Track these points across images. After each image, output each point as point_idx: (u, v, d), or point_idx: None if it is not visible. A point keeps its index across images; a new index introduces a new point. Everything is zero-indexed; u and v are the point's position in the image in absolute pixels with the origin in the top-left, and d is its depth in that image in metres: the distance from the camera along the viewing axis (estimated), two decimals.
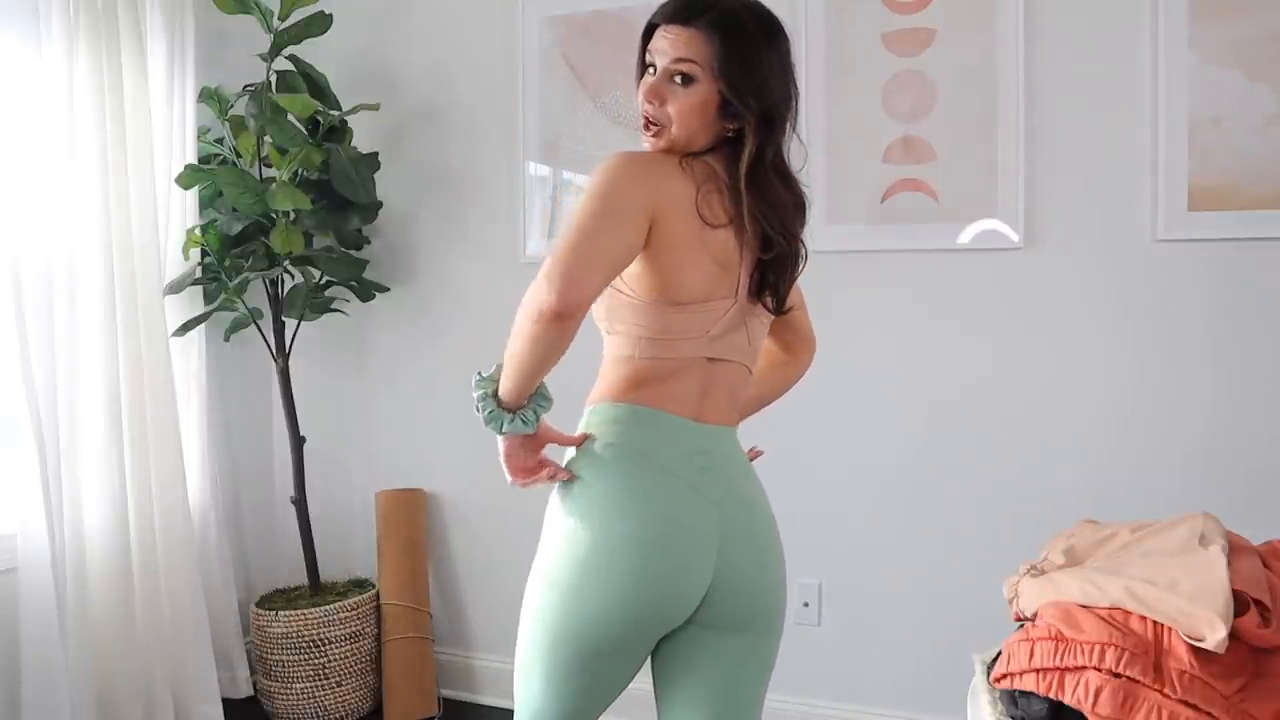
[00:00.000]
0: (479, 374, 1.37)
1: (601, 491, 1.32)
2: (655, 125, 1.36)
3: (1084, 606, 1.57)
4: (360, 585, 2.99)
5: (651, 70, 1.36)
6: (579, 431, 1.39)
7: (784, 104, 1.37)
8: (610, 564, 1.30)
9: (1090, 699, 1.46)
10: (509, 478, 1.39)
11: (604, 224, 1.26)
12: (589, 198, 1.28)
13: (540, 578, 1.36)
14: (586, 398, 1.43)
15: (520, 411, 1.34)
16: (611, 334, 1.40)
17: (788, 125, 1.39)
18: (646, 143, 1.39)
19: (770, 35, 1.35)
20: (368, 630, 2.86)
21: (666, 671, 1.42)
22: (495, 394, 1.34)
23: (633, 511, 1.30)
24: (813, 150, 2.50)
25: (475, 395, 1.36)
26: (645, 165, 1.33)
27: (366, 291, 2.91)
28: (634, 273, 1.33)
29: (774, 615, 1.43)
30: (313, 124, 2.78)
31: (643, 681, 1.46)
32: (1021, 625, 1.70)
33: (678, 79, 1.33)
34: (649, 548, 1.30)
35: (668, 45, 1.33)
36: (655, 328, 1.35)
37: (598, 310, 1.40)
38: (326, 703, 2.76)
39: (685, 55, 1.31)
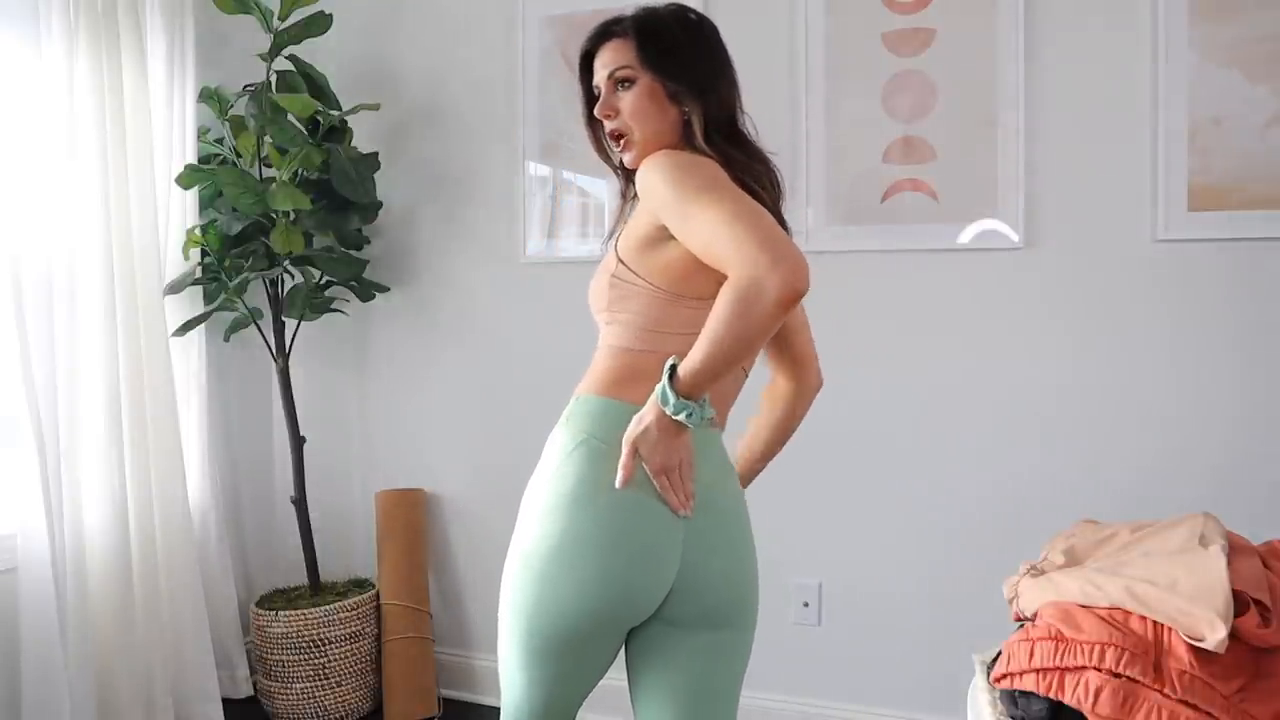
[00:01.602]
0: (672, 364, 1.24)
1: (572, 486, 1.33)
2: (621, 136, 1.44)
3: (1084, 606, 1.57)
4: (360, 585, 2.99)
5: (599, 93, 1.46)
6: (563, 419, 1.40)
7: (718, 78, 1.44)
8: (574, 558, 1.31)
9: (1090, 699, 1.46)
10: (679, 501, 1.31)
11: (751, 202, 1.26)
12: (713, 182, 1.27)
13: (513, 567, 1.37)
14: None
15: (701, 400, 1.24)
16: (612, 323, 1.41)
17: (735, 103, 1.45)
18: (624, 157, 1.46)
19: (688, 26, 1.45)
20: (368, 630, 2.86)
21: (638, 667, 1.43)
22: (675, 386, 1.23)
23: (599, 509, 1.31)
24: (813, 150, 2.51)
25: (673, 391, 1.23)
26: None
27: (366, 291, 2.91)
28: (666, 260, 1.35)
29: (746, 611, 1.43)
30: (313, 124, 2.78)
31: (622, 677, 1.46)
32: (1021, 625, 1.70)
33: (619, 87, 1.43)
34: (611, 545, 1.31)
35: (601, 64, 1.45)
36: (659, 320, 1.36)
37: (599, 298, 1.42)
38: (326, 703, 2.76)
39: (618, 63, 1.43)
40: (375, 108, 2.85)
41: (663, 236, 1.33)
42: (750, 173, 1.40)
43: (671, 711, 1.40)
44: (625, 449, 1.26)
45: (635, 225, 1.39)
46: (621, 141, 1.45)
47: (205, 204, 2.84)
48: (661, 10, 1.46)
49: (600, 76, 1.45)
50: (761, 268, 1.15)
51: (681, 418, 1.22)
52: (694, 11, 1.48)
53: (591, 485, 1.31)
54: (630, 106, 1.42)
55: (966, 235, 2.42)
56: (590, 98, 1.50)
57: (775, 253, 1.16)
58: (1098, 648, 1.48)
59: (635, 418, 1.27)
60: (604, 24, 1.47)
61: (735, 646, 1.43)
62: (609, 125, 1.45)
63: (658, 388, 1.24)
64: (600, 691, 1.47)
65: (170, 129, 2.76)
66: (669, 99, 1.41)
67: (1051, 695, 1.51)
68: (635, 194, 1.49)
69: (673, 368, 1.23)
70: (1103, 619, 1.52)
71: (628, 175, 1.53)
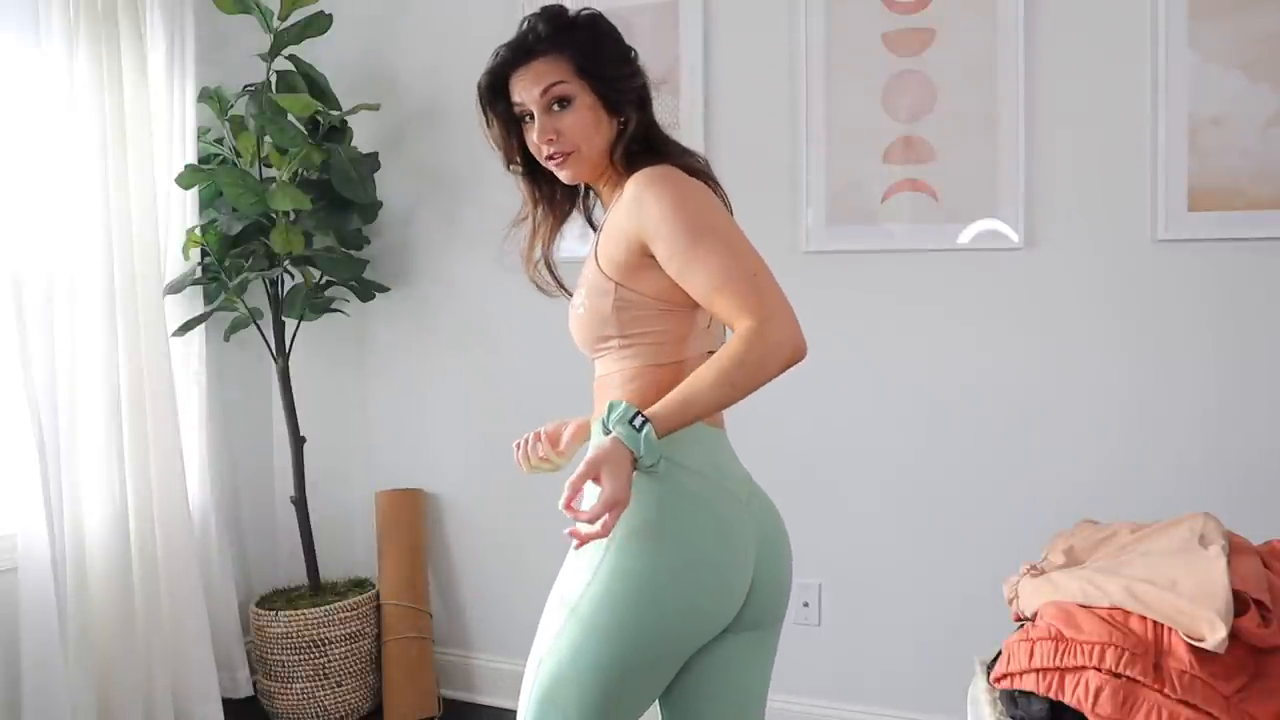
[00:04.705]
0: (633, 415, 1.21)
1: (665, 510, 1.28)
2: (562, 154, 1.36)
3: (1084, 606, 1.57)
4: (360, 585, 2.99)
5: (529, 119, 1.37)
6: (592, 446, 1.31)
7: (646, 82, 1.41)
8: (678, 589, 1.27)
9: (1090, 699, 1.46)
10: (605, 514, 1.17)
11: (754, 250, 1.27)
12: (714, 217, 1.27)
13: (585, 609, 1.28)
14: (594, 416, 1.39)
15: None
16: (626, 348, 1.34)
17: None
18: (562, 174, 1.39)
19: (607, 32, 1.39)
20: (368, 630, 2.86)
21: (683, 680, 1.39)
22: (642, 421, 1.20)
23: (698, 526, 1.29)
24: (813, 150, 2.51)
25: (637, 425, 1.19)
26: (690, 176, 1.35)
27: (366, 291, 2.91)
28: (665, 280, 1.30)
29: (786, 606, 1.45)
30: (313, 124, 2.78)
31: None
32: (1021, 625, 1.70)
33: (556, 107, 1.35)
34: (713, 566, 1.29)
35: (529, 83, 1.35)
36: (676, 331, 1.34)
37: (603, 326, 1.34)
38: (326, 703, 2.76)
39: (550, 81, 1.34)
40: (375, 108, 2.85)
41: (651, 262, 1.29)
42: (706, 175, 1.39)
43: (720, 716, 1.39)
44: (584, 469, 1.16)
45: (616, 249, 1.32)
46: (559, 159, 1.37)
47: (205, 204, 2.84)
48: (579, 18, 1.38)
49: (529, 97, 1.35)
50: (789, 327, 1.19)
51: (647, 460, 1.18)
52: (599, 13, 1.41)
53: (687, 503, 1.29)
54: (574, 126, 1.34)
55: (966, 235, 2.42)
56: (505, 125, 1.41)
57: (789, 312, 1.20)
58: (1098, 648, 1.48)
59: (596, 444, 1.20)
60: (519, 41, 1.36)
61: (774, 640, 1.45)
62: (549, 149, 1.36)
63: (620, 425, 1.18)
64: None
65: (170, 129, 2.76)
66: (608, 111, 1.36)
67: (1051, 695, 1.51)
68: (575, 206, 1.50)
69: (636, 410, 1.19)
70: (1103, 619, 1.52)
71: (552, 183, 1.46)
